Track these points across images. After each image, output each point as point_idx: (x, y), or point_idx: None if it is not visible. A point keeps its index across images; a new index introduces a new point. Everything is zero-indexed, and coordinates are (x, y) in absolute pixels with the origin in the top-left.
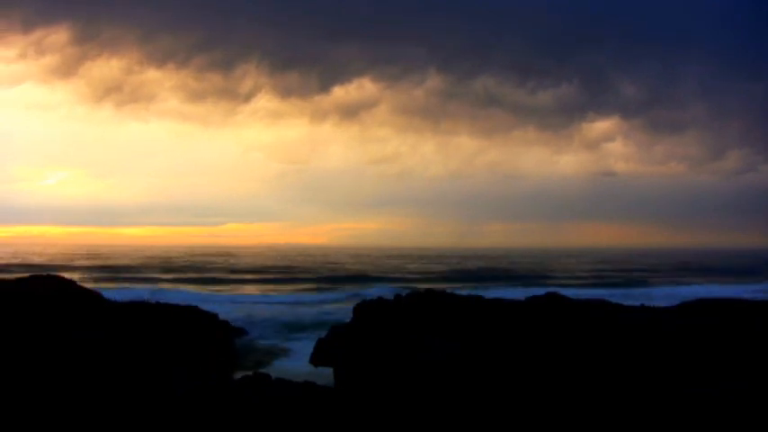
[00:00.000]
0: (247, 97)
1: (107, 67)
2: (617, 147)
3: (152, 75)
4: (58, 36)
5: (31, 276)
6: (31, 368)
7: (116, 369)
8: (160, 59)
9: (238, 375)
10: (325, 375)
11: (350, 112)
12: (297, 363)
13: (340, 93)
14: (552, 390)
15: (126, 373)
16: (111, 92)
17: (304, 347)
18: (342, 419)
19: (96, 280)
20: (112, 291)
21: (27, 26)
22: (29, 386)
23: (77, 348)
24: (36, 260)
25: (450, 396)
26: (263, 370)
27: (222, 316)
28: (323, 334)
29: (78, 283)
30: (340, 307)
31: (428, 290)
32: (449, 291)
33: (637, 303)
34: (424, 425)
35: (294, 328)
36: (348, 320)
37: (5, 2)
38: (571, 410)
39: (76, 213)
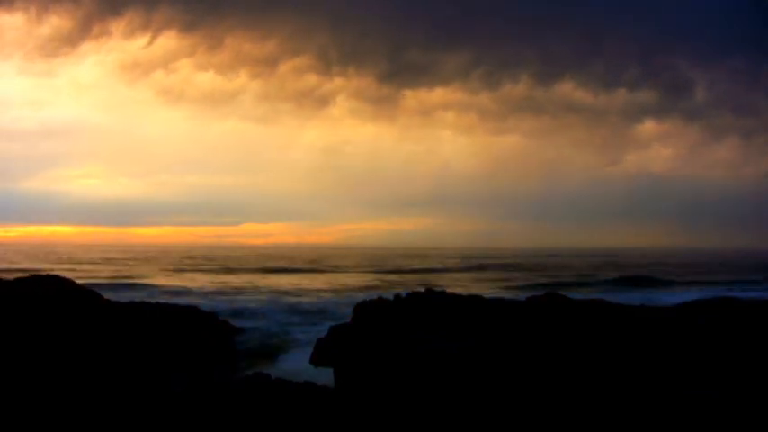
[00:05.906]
0: (326, 102)
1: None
2: (680, 150)
3: (236, 78)
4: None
5: (30, 276)
6: (32, 368)
7: (116, 369)
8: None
9: (238, 375)
10: (325, 375)
11: (421, 115)
12: (297, 363)
13: (412, 98)
14: (551, 390)
15: (126, 373)
16: (186, 94)
17: (304, 347)
18: (342, 419)
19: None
20: (111, 292)
21: (156, 31)
22: (29, 386)
23: (79, 348)
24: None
25: (449, 396)
26: (263, 370)
27: (222, 315)
28: (323, 333)
29: (77, 283)
30: (340, 306)
31: (428, 289)
32: (448, 291)
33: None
34: (423, 424)
35: (295, 327)
36: (348, 320)
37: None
38: (571, 411)
39: (118, 213)
